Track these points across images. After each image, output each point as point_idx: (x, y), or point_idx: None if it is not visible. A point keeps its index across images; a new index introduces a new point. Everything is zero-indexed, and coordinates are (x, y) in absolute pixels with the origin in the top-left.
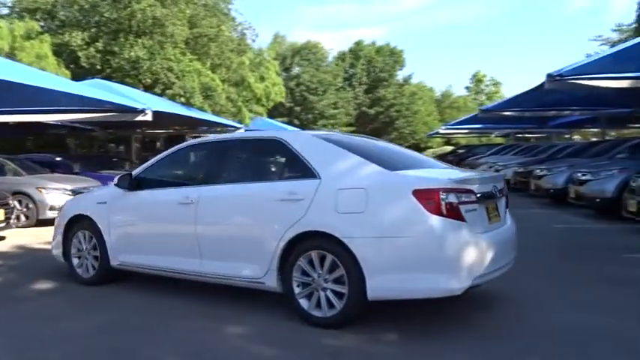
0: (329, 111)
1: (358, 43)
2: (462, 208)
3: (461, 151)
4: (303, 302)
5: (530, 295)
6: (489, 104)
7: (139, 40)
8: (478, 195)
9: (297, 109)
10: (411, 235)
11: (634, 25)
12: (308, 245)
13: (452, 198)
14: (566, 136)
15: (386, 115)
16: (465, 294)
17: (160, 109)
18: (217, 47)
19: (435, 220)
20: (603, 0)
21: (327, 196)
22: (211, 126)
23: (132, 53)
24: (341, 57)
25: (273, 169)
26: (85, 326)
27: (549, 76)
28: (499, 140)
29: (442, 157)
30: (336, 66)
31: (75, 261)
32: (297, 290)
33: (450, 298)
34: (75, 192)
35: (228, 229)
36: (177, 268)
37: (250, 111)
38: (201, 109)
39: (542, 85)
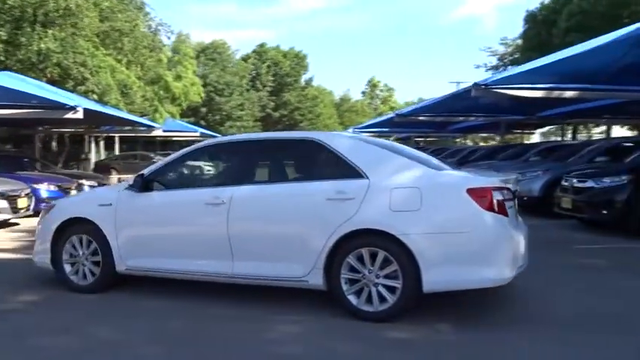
0: (236, 112)
1: (262, 45)
2: (506, 204)
3: None
4: (352, 298)
5: (537, 287)
6: (386, 109)
7: (49, 32)
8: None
9: (204, 109)
10: (466, 229)
11: (519, 40)
12: (358, 243)
13: (499, 195)
14: (457, 140)
15: (290, 117)
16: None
17: (90, 107)
18: (131, 43)
19: (488, 215)
20: (472, 18)
21: (379, 195)
22: (123, 124)
23: (42, 45)
24: (245, 58)
25: (313, 169)
26: (123, 336)
27: (476, 84)
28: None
29: None
30: (240, 67)
31: (67, 268)
32: (345, 287)
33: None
34: (2, 195)
35: (266, 229)
36: (200, 270)
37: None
38: (116, 107)
39: (469, 91)
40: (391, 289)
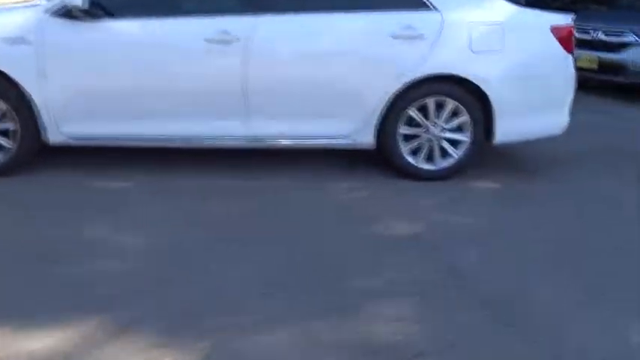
0: None
1: None
2: None
3: None
4: (410, 157)
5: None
6: None
7: None
8: None
9: None
10: (546, 73)
11: None
12: (425, 91)
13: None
14: None
15: None
16: None
17: None
18: None
19: (569, 58)
20: None
21: (456, 32)
22: None
23: None
24: None
25: None
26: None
27: None
28: None
29: None
30: None
31: None
32: (402, 145)
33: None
34: None
35: (302, 76)
36: (193, 133)
37: None
38: None
39: None
40: (455, 144)
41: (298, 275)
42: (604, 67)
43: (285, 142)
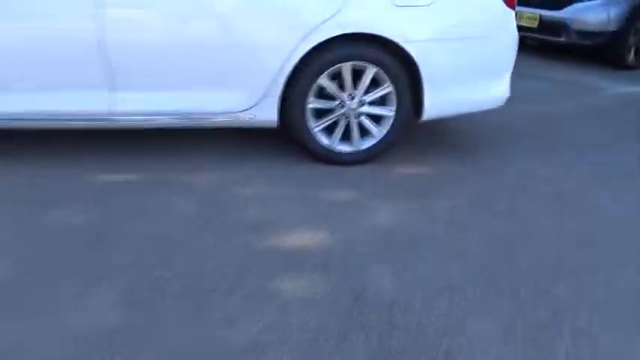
0: None
1: None
2: None
3: None
4: (322, 137)
5: None
6: None
7: None
8: None
9: None
10: (484, 34)
11: None
12: (338, 55)
13: None
14: None
15: None
16: None
17: None
18: None
19: (511, 15)
20: None
21: None
22: None
23: None
24: None
25: None
26: None
27: None
28: None
29: None
30: None
31: None
32: (312, 122)
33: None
34: None
35: (182, 35)
36: (45, 110)
37: None
38: None
39: None
40: (377, 120)
41: (130, 323)
42: (545, 25)
43: (164, 121)
